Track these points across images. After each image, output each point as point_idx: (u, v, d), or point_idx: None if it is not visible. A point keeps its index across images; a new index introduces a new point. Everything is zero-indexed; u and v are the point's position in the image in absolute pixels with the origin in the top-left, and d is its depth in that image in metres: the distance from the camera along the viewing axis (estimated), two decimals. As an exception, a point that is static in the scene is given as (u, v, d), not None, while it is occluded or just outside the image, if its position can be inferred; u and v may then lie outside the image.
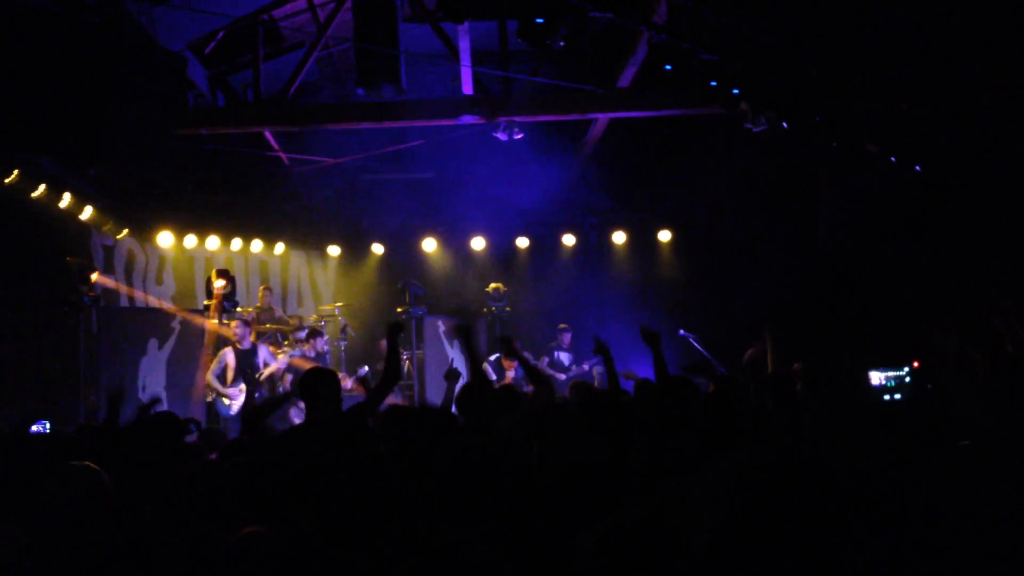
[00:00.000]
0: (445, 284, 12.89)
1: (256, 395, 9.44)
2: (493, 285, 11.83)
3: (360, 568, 2.52)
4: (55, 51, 6.82)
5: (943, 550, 2.31)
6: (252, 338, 9.90)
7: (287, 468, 3.60)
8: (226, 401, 9.46)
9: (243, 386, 9.46)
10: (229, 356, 9.61)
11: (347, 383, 10.18)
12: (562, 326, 11.74)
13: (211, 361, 9.91)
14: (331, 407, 4.38)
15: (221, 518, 2.95)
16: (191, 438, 5.61)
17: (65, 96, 6.92)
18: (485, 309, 11.79)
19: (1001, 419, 3.87)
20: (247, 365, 9.58)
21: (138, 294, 11.55)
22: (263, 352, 9.82)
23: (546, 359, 11.54)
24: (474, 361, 5.01)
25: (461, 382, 5.29)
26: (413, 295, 11.53)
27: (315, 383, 4.42)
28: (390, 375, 4.79)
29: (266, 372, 9.68)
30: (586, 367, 11.47)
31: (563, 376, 11.29)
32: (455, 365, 5.90)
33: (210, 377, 9.52)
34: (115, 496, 3.11)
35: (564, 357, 11.66)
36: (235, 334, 9.64)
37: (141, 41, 7.57)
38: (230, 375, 9.50)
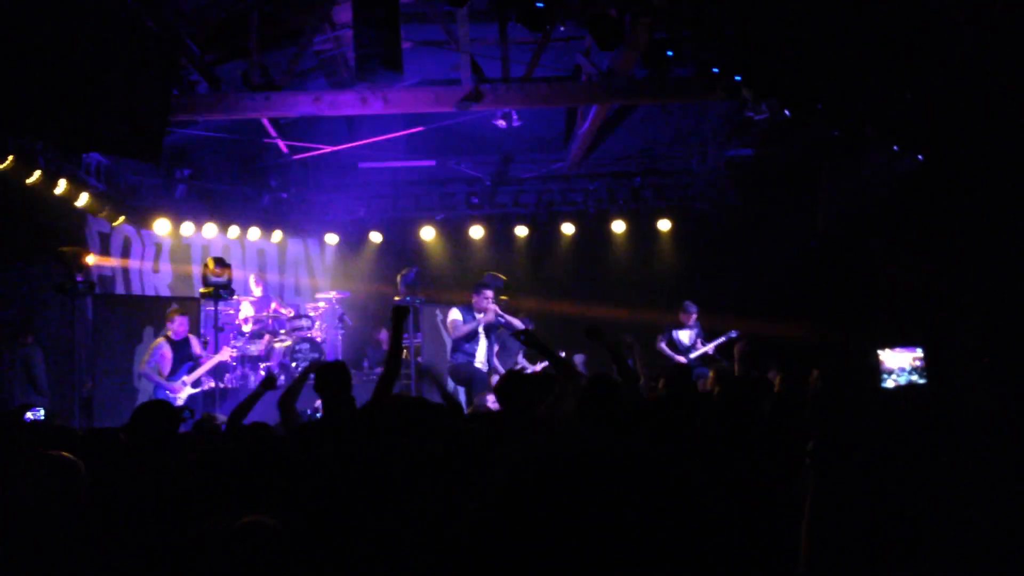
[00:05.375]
0: (443, 272, 12.83)
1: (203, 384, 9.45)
2: (490, 273, 11.74)
3: (363, 557, 2.47)
4: (49, 34, 6.74)
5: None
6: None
7: (298, 458, 3.56)
8: (168, 394, 9.19)
9: (185, 378, 9.28)
10: (164, 348, 9.29)
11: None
12: (686, 302, 10.74)
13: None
14: (343, 398, 4.60)
15: (219, 508, 2.89)
16: (185, 427, 5.56)
17: (59, 80, 6.84)
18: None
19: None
20: (183, 356, 9.39)
21: (134, 281, 11.49)
22: (196, 344, 9.64)
23: (663, 339, 10.69)
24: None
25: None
26: (411, 283, 11.44)
27: (326, 377, 4.65)
28: (392, 366, 4.75)
29: (208, 365, 9.49)
30: (710, 348, 10.50)
31: (683, 359, 10.37)
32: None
33: (146, 369, 9.30)
34: (93, 487, 3.03)
35: (685, 336, 10.65)
36: (170, 327, 9.42)
37: (136, 25, 7.49)
38: (167, 367, 9.24)
